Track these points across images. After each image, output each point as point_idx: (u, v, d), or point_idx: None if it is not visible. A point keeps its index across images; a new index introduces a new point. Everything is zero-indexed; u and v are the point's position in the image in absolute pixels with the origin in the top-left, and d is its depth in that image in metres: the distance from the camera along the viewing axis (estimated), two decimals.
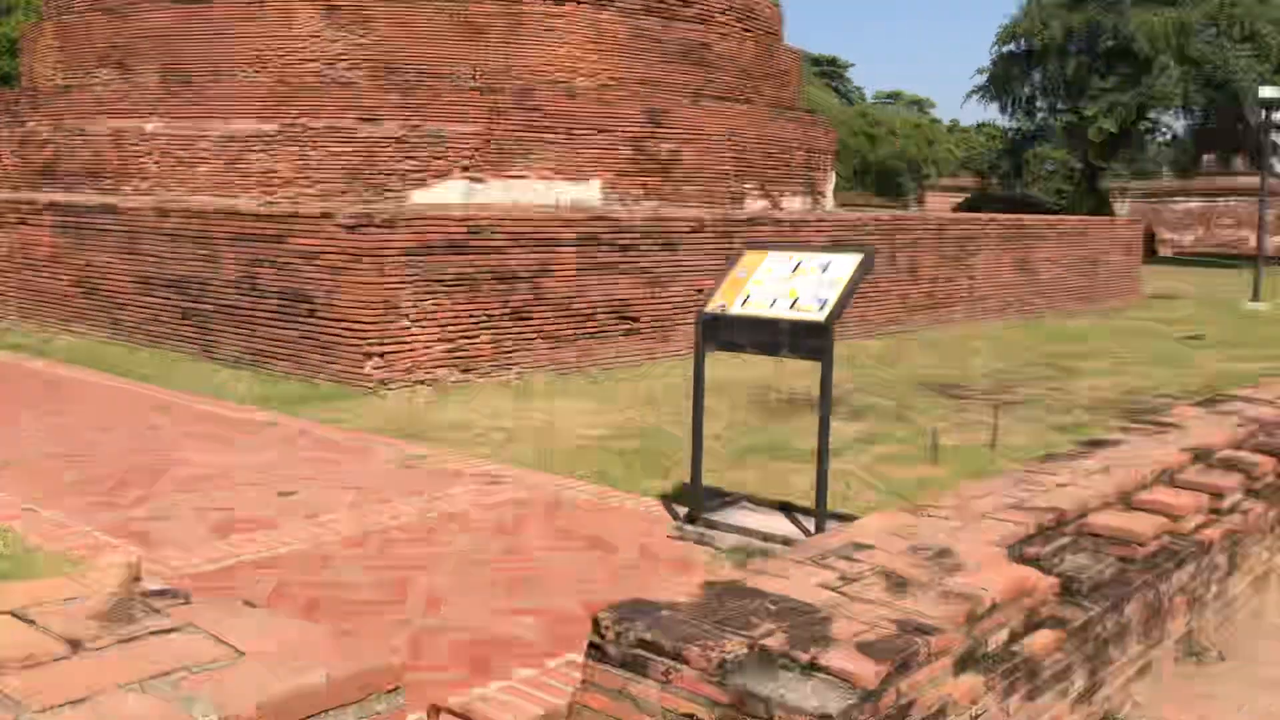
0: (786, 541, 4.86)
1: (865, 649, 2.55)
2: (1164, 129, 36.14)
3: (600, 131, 14.03)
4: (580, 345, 10.85)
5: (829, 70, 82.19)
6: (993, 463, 6.95)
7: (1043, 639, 3.22)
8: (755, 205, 15.62)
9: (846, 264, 4.88)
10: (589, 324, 10.93)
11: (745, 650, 2.54)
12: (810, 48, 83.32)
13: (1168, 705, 3.85)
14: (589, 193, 13.89)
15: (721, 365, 8.64)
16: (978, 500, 3.97)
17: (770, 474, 6.72)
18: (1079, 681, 3.44)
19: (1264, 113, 21.90)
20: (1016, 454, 7.22)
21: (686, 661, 2.53)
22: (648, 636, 2.61)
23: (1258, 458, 4.97)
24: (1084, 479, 4.30)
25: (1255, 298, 19.72)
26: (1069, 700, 3.40)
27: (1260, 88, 21.42)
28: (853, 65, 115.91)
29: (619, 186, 14.15)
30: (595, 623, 2.71)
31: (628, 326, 11.29)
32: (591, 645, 2.71)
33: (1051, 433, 8.07)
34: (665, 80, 15.35)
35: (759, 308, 5.01)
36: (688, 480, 6.15)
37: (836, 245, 12.78)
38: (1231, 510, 4.57)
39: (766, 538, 5.07)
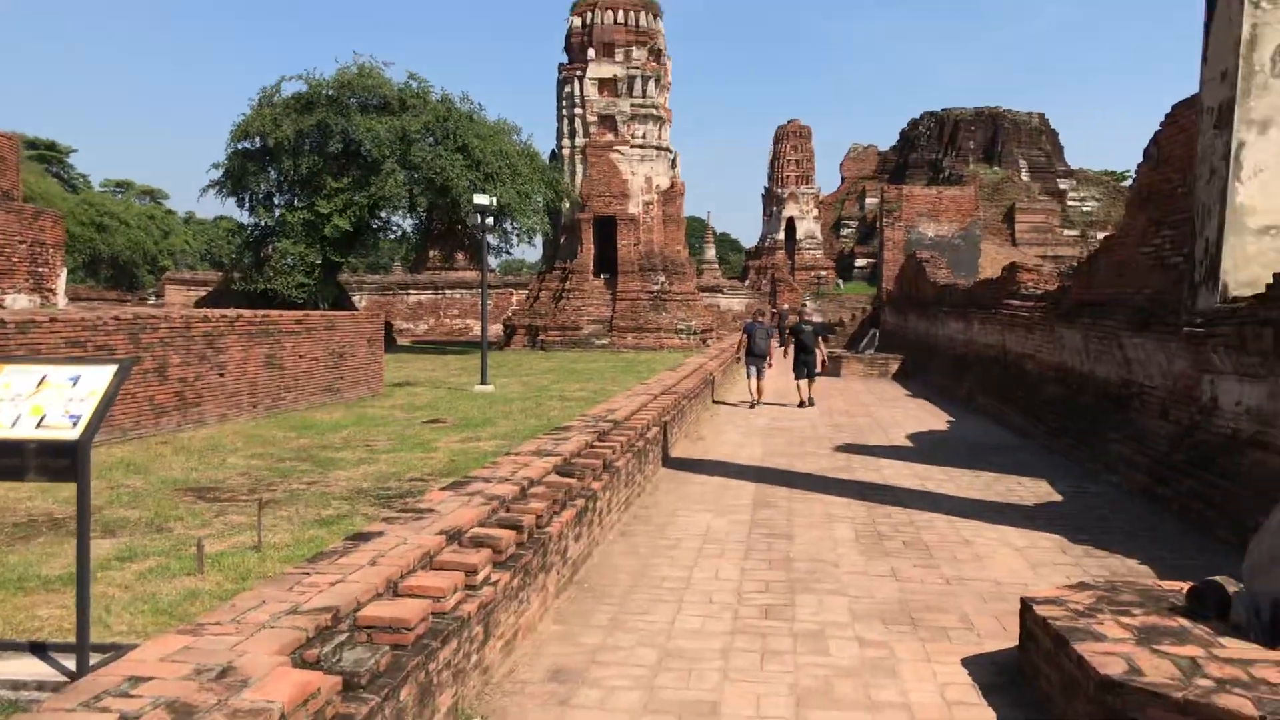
0: (43, 687, 4.39)
1: None
2: (395, 227, 38.86)
3: None
4: None
5: (48, 155, 76.34)
6: (261, 565, 6.92)
7: None
8: None
9: (100, 376, 4.58)
10: None
11: None
12: (25, 130, 76.89)
13: None
14: None
15: None
16: (254, 611, 3.96)
17: (11, 610, 5.99)
18: None
19: (479, 216, 24.65)
20: (283, 553, 7.27)
21: None
22: None
23: (501, 533, 5.60)
24: (354, 574, 4.49)
25: (484, 381, 21.97)
26: None
27: (475, 195, 24.11)
28: (75, 151, 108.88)
29: None
30: None
31: None
32: None
33: (314, 527, 8.23)
34: None
35: None
36: None
37: (88, 356, 11.93)
38: (484, 584, 5.08)
39: (17, 686, 4.51)
